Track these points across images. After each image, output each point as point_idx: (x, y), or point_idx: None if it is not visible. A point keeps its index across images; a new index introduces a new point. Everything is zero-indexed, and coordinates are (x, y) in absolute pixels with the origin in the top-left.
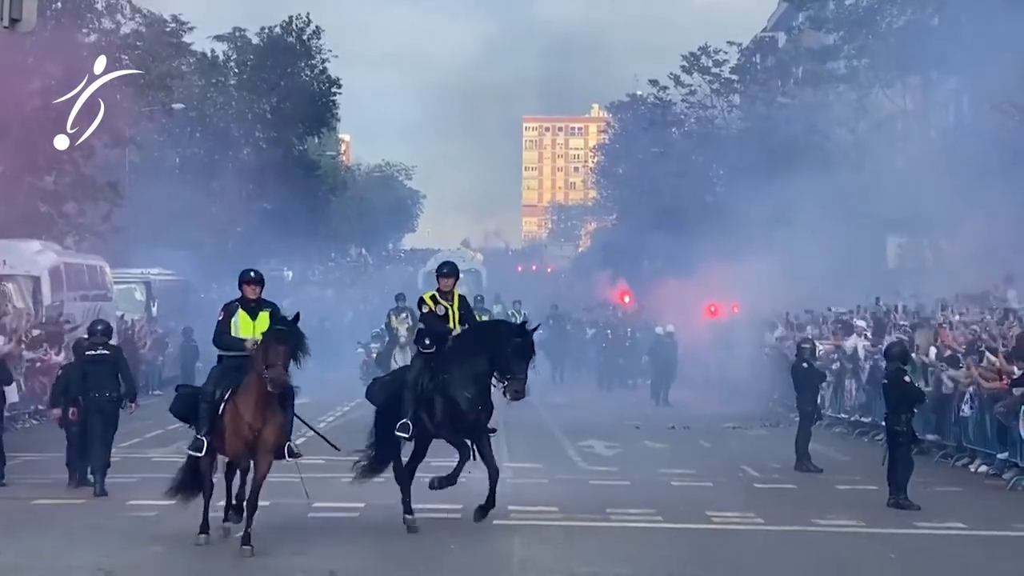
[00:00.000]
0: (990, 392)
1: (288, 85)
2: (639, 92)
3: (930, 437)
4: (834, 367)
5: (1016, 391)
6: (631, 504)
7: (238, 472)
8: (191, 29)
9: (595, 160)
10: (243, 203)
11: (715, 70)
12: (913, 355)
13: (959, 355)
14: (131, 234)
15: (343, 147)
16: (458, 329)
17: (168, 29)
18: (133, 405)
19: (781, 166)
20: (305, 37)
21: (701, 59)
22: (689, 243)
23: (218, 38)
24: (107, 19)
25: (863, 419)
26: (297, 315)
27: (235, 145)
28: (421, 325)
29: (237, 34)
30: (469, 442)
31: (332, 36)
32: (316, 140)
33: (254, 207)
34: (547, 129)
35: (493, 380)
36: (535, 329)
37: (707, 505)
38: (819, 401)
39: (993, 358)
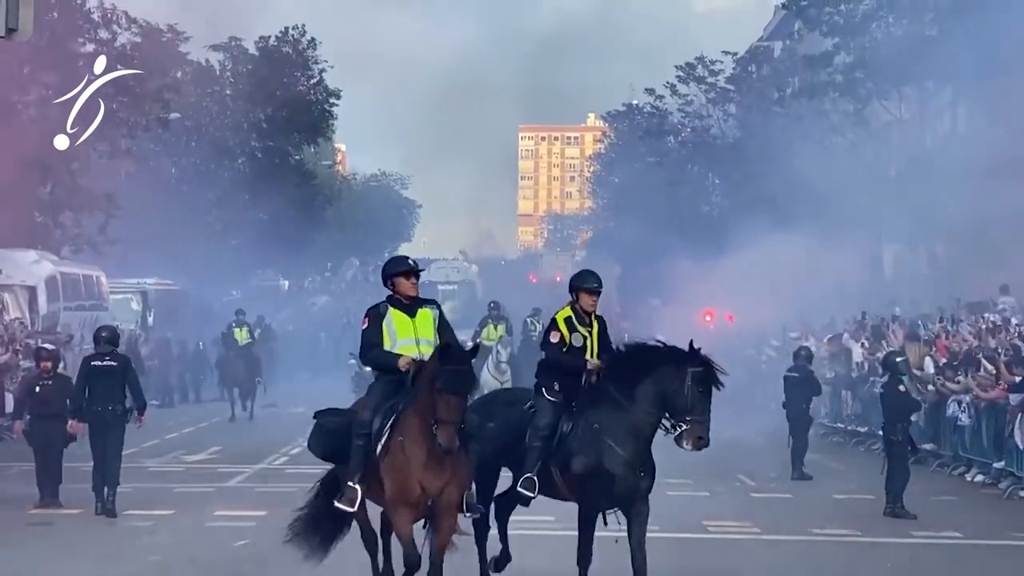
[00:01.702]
0: (987, 401)
1: (284, 95)
2: (635, 101)
3: (927, 446)
4: (829, 375)
5: (1014, 399)
6: None
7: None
8: (187, 39)
9: (591, 169)
10: (239, 213)
11: (711, 80)
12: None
13: (955, 364)
14: (128, 244)
15: (339, 156)
16: (594, 362)
17: (164, 39)
18: (142, 419)
19: (777, 175)
20: (301, 48)
21: (697, 69)
22: (685, 252)
23: (214, 47)
24: (103, 30)
25: (860, 428)
26: (476, 347)
27: (231, 155)
28: (544, 354)
29: (233, 44)
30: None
31: (326, 44)
32: (312, 149)
33: (250, 216)
34: (543, 138)
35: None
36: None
37: (704, 514)
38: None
39: (991, 366)
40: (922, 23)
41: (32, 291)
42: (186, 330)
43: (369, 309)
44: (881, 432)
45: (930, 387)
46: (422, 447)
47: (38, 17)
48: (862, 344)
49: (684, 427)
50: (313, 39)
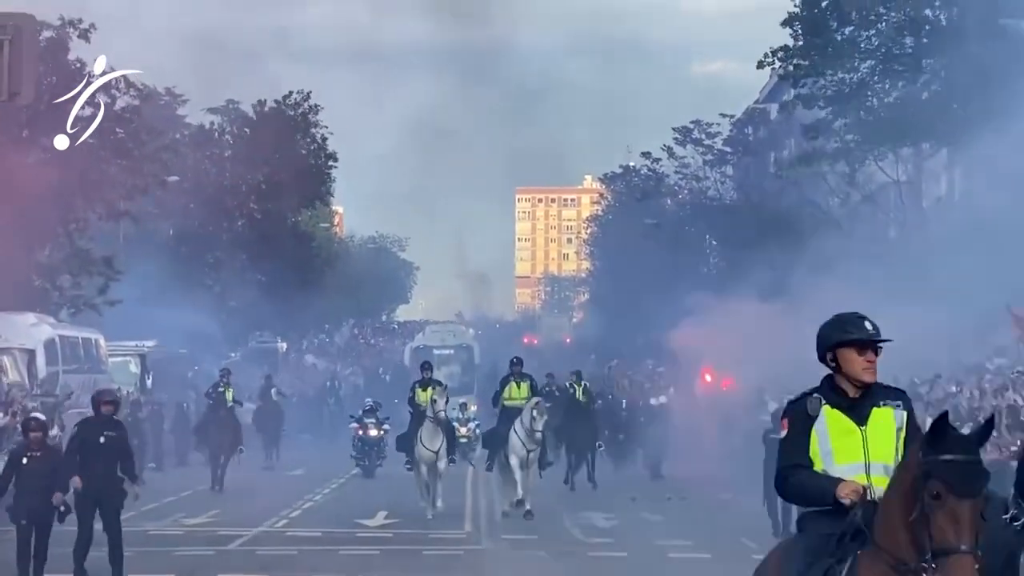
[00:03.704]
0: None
1: (282, 157)
2: (632, 163)
3: None
4: None
5: (1014, 465)
6: None
7: None
8: (185, 102)
9: (588, 231)
10: (237, 275)
11: (707, 142)
12: None
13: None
14: (127, 306)
15: (336, 219)
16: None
17: (162, 102)
18: (135, 487)
19: (774, 237)
20: (303, 111)
21: (693, 132)
22: (683, 314)
23: (212, 110)
24: (102, 93)
25: None
26: (991, 423)
27: (229, 217)
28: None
29: (231, 106)
30: None
31: (324, 107)
32: (309, 212)
33: (248, 278)
34: (540, 200)
35: None
36: None
37: None
38: None
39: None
40: (914, 87)
41: (31, 354)
42: (185, 393)
43: (791, 404)
44: None
45: None
46: None
47: (38, 80)
48: None
49: None
50: (315, 104)
